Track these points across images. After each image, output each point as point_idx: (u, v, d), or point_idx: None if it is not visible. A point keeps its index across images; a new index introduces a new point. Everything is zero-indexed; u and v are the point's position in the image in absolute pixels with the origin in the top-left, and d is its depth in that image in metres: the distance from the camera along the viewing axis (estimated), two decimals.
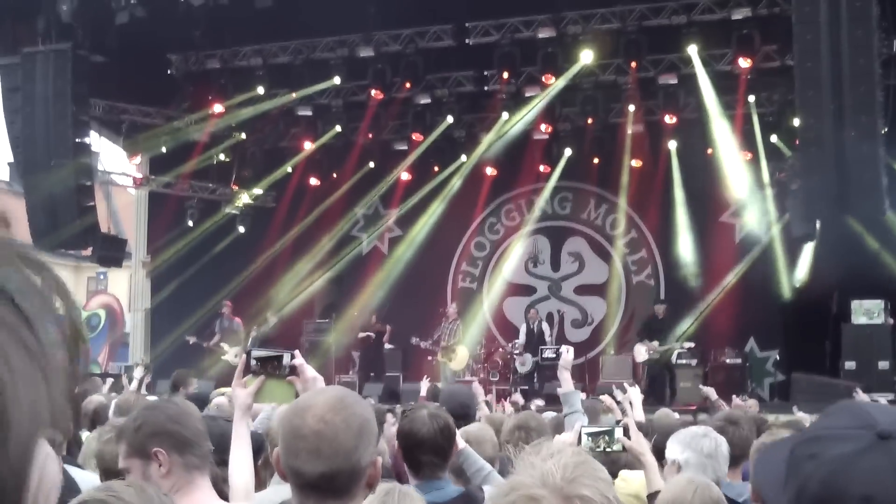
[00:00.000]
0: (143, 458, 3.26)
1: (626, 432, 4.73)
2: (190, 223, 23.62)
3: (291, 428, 2.63)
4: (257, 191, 24.46)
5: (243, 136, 23.13)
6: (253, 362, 3.71)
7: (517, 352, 21.05)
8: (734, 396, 14.87)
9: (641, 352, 19.32)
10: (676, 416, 8.90)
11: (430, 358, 20.58)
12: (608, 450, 4.73)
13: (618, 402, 7.89)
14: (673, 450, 5.06)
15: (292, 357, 3.72)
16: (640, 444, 4.75)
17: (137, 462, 3.25)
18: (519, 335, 21.09)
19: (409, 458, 4.44)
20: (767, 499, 1.94)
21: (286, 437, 2.64)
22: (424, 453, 4.35)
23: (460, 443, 4.84)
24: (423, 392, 11.06)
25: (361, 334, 22.11)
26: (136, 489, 1.76)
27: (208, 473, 3.42)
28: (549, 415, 8.46)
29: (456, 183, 23.50)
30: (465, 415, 6.33)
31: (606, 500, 1.81)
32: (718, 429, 5.54)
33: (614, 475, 5.70)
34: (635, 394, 8.10)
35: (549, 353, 6.06)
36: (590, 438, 4.67)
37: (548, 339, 19.63)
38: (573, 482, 1.79)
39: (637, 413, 7.58)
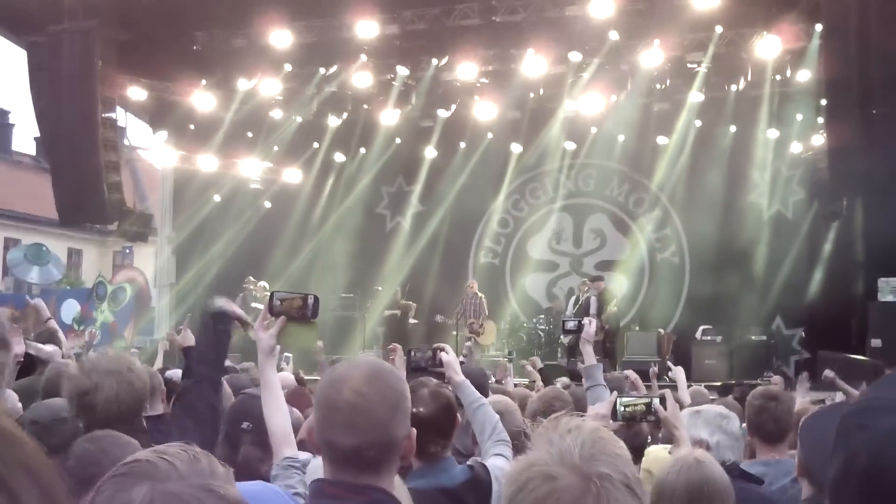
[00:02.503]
0: None
1: (664, 403, 4.65)
2: (216, 198, 23.69)
3: (326, 400, 2.63)
4: (283, 167, 24.50)
5: (269, 112, 23.13)
6: (276, 303, 3.74)
7: (542, 327, 21.07)
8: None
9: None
10: (706, 393, 8.85)
11: (454, 333, 20.58)
12: (644, 420, 4.72)
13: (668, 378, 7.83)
14: (699, 429, 4.98)
15: (315, 299, 3.75)
16: (676, 417, 4.67)
17: None
18: (569, 306, 20.97)
19: None
20: (814, 469, 1.93)
21: (321, 410, 2.64)
22: (427, 434, 4.06)
23: (458, 378, 4.79)
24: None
25: (387, 312, 22.17)
26: (190, 457, 1.75)
27: None
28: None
29: (481, 160, 23.52)
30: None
31: (625, 477, 1.82)
32: (758, 406, 5.49)
33: (638, 449, 5.70)
34: (680, 374, 8.08)
35: (570, 326, 6.03)
36: (625, 409, 4.66)
37: (592, 311, 19.46)
38: (591, 460, 1.81)
39: (682, 393, 7.54)
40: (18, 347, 7.35)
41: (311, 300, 3.75)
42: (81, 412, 4.14)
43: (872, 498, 1.54)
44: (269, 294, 3.86)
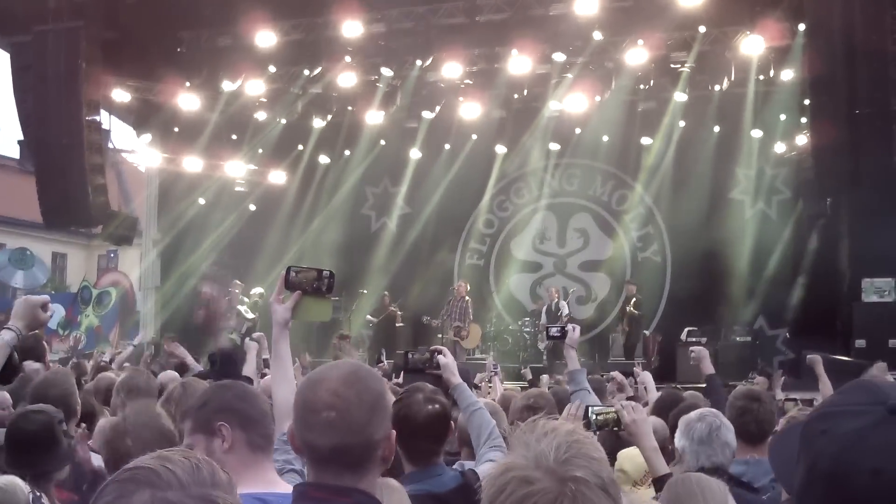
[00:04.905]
0: (206, 434, 3.33)
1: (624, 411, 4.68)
2: (201, 201, 23.63)
3: (305, 402, 2.64)
4: (268, 168, 24.47)
5: (254, 114, 23.10)
6: (292, 275, 3.73)
7: (528, 329, 21.17)
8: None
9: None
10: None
11: (440, 335, 20.57)
12: (615, 428, 4.73)
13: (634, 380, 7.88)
14: (677, 437, 5.01)
15: (330, 274, 3.75)
16: (636, 426, 4.67)
17: (201, 437, 3.33)
18: (541, 314, 21.07)
19: (404, 445, 4.24)
20: (780, 476, 1.95)
21: (300, 411, 2.65)
22: (420, 439, 4.25)
23: (455, 380, 4.86)
24: None
25: (371, 317, 22.21)
26: (191, 464, 1.75)
27: (271, 455, 3.44)
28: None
29: (466, 161, 23.53)
30: None
31: (600, 480, 1.85)
32: (740, 407, 5.49)
33: (617, 452, 5.71)
34: (647, 377, 8.10)
35: (554, 332, 6.02)
36: (597, 417, 4.67)
37: (565, 316, 19.59)
38: (566, 463, 1.84)
39: (651, 397, 7.55)
40: None
41: (326, 274, 3.75)
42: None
43: (836, 500, 1.56)
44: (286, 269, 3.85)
